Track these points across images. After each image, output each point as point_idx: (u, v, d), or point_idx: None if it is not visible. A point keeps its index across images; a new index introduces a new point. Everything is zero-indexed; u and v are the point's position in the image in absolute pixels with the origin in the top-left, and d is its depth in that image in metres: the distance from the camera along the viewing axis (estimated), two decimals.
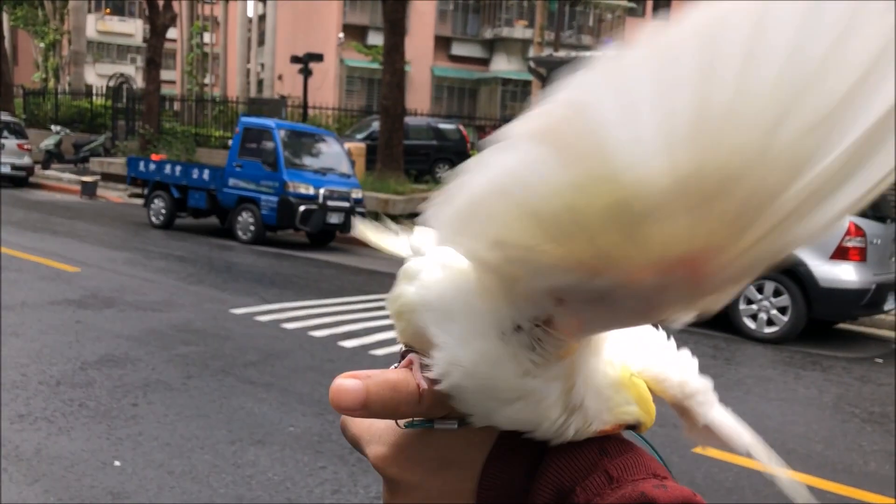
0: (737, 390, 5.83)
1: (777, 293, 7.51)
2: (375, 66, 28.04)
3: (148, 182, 13.24)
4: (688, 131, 0.34)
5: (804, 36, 0.33)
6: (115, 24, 51.38)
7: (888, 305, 7.90)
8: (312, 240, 12.69)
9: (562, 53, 14.85)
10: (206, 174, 12.50)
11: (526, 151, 0.39)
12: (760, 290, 7.58)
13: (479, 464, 0.55)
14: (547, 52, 19.42)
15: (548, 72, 13.98)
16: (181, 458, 3.80)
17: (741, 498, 3.82)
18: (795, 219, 0.35)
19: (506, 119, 32.96)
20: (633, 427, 0.56)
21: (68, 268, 8.57)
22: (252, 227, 11.89)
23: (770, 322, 7.53)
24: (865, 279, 7.34)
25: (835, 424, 5.24)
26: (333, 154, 12.68)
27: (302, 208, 11.51)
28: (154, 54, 20.73)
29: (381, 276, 9.73)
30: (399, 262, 0.57)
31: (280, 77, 33.16)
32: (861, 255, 7.31)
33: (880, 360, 7.22)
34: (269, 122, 12.47)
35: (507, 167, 0.40)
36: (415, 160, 20.13)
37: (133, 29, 50.96)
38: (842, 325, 8.59)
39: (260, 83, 35.38)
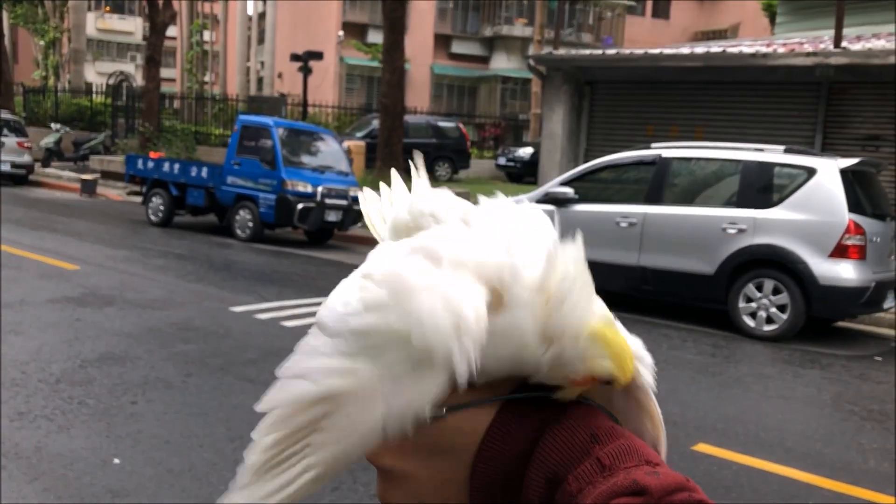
0: (736, 388, 5.84)
1: (776, 291, 7.51)
2: (375, 64, 28.01)
3: (146, 180, 13.24)
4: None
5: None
6: (115, 21, 51.31)
7: (887, 303, 7.90)
8: (311, 238, 12.69)
9: (561, 51, 14.83)
10: (204, 172, 12.50)
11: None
12: (760, 288, 7.59)
13: (471, 451, 0.56)
14: (547, 50, 19.40)
15: (547, 70, 13.97)
16: (180, 456, 3.80)
17: (740, 496, 3.82)
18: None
19: (505, 117, 32.96)
20: (608, 383, 0.56)
21: (68, 266, 8.57)
22: (250, 225, 11.89)
23: (769, 320, 7.53)
24: (865, 277, 7.34)
25: (834, 422, 5.25)
26: (331, 152, 12.69)
27: (300, 206, 11.51)
28: (154, 52, 20.71)
29: None
30: None
31: (280, 75, 33.13)
32: (860, 253, 7.31)
33: (879, 359, 7.22)
34: (268, 121, 12.47)
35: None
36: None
37: (133, 27, 50.90)
38: (841, 324, 8.59)
39: (260, 81, 35.35)
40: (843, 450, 4.60)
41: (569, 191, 8.72)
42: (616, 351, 0.55)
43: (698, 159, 8.40)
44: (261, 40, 35.51)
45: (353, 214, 11.79)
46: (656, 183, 8.32)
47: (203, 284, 8.25)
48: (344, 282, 0.61)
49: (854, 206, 7.34)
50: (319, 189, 11.66)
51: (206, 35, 33.37)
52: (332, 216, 11.84)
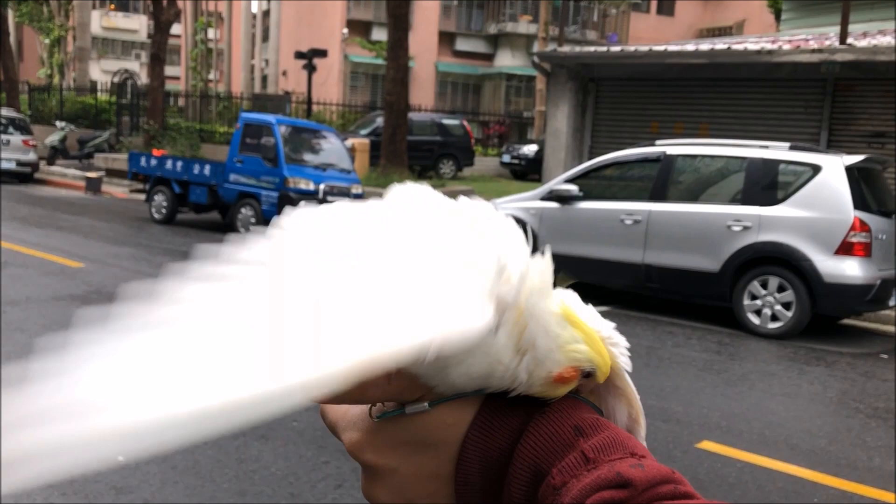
0: (741, 386, 5.83)
1: (781, 288, 7.49)
2: (379, 61, 28.02)
3: (149, 177, 13.26)
4: None
5: None
6: (120, 20, 51.40)
7: (893, 301, 7.87)
8: None
9: (566, 49, 14.81)
10: (206, 169, 12.52)
11: None
12: (765, 285, 7.57)
13: (455, 445, 0.56)
14: (551, 47, 19.37)
15: (552, 67, 13.95)
16: (184, 453, 3.81)
17: (744, 493, 3.82)
18: None
19: (510, 114, 32.93)
20: (589, 374, 0.56)
21: (72, 263, 8.58)
22: (253, 223, 11.91)
23: (774, 317, 7.51)
24: (870, 274, 7.31)
25: (839, 420, 5.23)
26: (334, 150, 12.69)
27: (302, 204, 11.53)
28: (158, 50, 20.74)
29: None
30: None
31: (284, 73, 33.15)
32: (866, 251, 7.28)
33: (885, 356, 7.20)
34: (270, 118, 12.48)
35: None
36: (419, 156, 20.11)
37: (137, 25, 50.98)
38: (846, 321, 8.57)
39: (264, 79, 35.37)
40: (848, 447, 4.59)
41: (573, 188, 8.70)
42: (587, 332, 0.56)
43: (703, 156, 8.38)
44: (265, 38, 35.54)
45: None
46: (661, 180, 8.30)
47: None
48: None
49: (859, 203, 7.32)
50: (321, 186, 11.66)
51: (211, 33, 33.36)
52: None
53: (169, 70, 27.16)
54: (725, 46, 12.48)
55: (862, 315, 8.43)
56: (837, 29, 11.46)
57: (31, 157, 18.64)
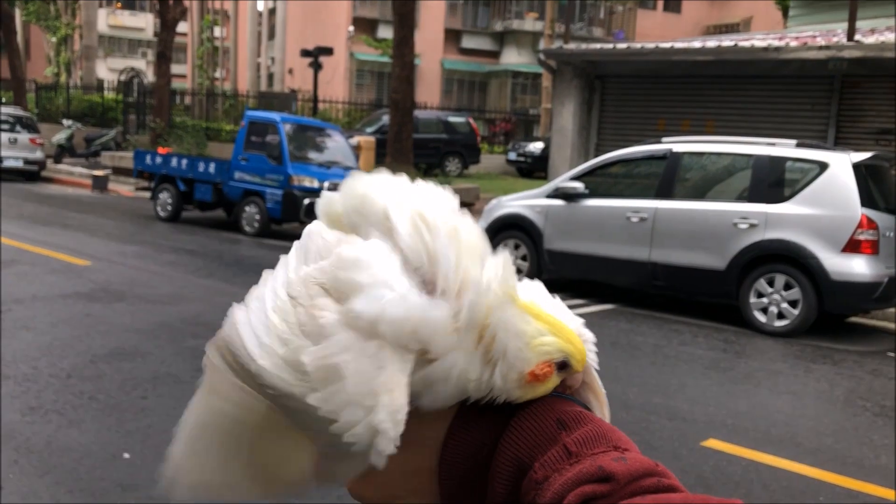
0: (747, 384, 5.81)
1: (788, 286, 7.46)
2: (385, 59, 27.99)
3: (154, 175, 13.29)
4: None
5: None
6: (126, 18, 51.50)
7: None
8: None
9: (572, 46, 14.77)
10: (211, 167, 12.54)
11: None
12: (771, 283, 7.54)
13: (438, 441, 0.56)
14: (557, 44, 19.33)
15: (558, 64, 13.92)
16: None
17: (749, 491, 3.80)
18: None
19: (516, 112, 32.90)
20: (564, 365, 0.56)
21: (79, 261, 8.61)
22: (257, 220, 11.92)
23: (781, 315, 7.48)
24: (877, 272, 7.28)
25: (845, 418, 5.21)
26: (338, 147, 12.70)
27: (306, 201, 11.53)
28: (164, 48, 20.76)
29: None
30: None
31: (290, 71, 33.17)
32: (873, 248, 7.25)
33: (892, 354, 7.17)
34: (274, 116, 12.49)
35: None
36: (425, 153, 20.10)
37: (144, 23, 51.07)
38: (854, 319, 8.53)
39: (270, 77, 35.40)
40: (855, 446, 4.57)
41: (579, 186, 8.69)
42: (553, 323, 0.55)
43: (709, 154, 8.35)
44: (271, 36, 35.56)
45: None
46: (667, 178, 8.28)
47: (213, 280, 8.28)
48: (269, 285, 0.58)
49: (867, 200, 7.28)
50: (326, 184, 11.67)
51: (217, 31, 33.42)
52: None
53: (175, 68, 27.19)
54: (732, 43, 12.44)
55: (869, 313, 8.40)
56: (845, 25, 11.41)
57: (38, 155, 18.69)
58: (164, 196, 13.05)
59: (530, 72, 33.66)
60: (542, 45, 23.66)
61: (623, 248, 8.33)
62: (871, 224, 7.22)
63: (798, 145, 7.91)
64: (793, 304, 7.43)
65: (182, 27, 30.36)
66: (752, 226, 7.62)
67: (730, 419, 4.85)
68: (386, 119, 19.13)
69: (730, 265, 7.72)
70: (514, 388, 0.55)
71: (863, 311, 8.10)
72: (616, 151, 9.06)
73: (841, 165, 7.36)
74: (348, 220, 0.59)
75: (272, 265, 0.60)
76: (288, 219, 11.91)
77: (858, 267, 7.22)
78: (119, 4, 50.88)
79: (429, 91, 32.18)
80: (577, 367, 0.57)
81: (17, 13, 29.32)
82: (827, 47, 11.01)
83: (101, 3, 43.23)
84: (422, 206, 0.57)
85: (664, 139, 8.80)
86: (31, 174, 18.62)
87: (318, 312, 0.52)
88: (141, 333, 5.88)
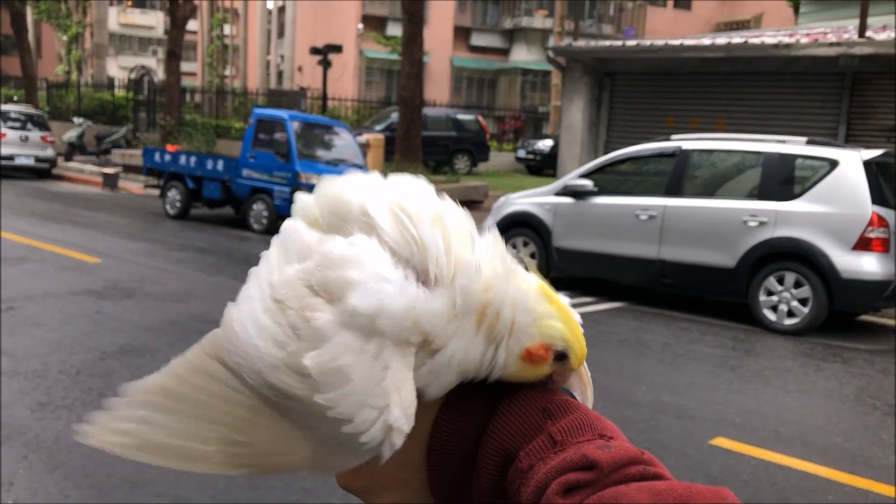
0: (756, 382, 5.79)
1: (798, 284, 7.43)
2: (394, 57, 28.01)
3: (163, 173, 13.34)
4: None
5: None
6: (137, 16, 51.69)
7: None
8: None
9: (581, 43, 14.74)
10: (220, 165, 12.57)
11: None
12: (781, 281, 7.51)
13: (425, 432, 0.56)
14: (567, 41, 19.29)
15: (567, 62, 13.89)
16: None
17: (757, 490, 3.79)
18: None
19: (525, 109, 32.85)
20: (561, 356, 0.55)
21: (89, 259, 8.65)
22: (265, 218, 11.95)
23: (790, 313, 7.45)
24: (888, 270, 7.23)
25: (855, 417, 5.19)
26: (346, 145, 12.72)
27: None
28: (174, 46, 20.82)
29: None
30: None
31: (300, 68, 33.22)
32: (884, 246, 7.20)
33: None
34: (282, 114, 12.51)
35: None
36: (433, 151, 20.10)
37: (154, 21, 51.25)
38: (864, 317, 8.48)
39: (280, 75, 35.47)
40: (865, 444, 4.55)
41: (588, 183, 8.67)
42: (563, 310, 0.55)
43: (719, 151, 8.32)
44: (281, 34, 35.62)
45: None
46: (676, 175, 8.25)
47: (222, 277, 8.30)
48: (255, 285, 0.57)
49: (878, 198, 7.24)
50: None
51: (227, 29, 33.49)
52: None
53: (185, 66, 27.28)
54: (742, 40, 12.38)
55: (879, 311, 8.35)
56: (856, 22, 11.35)
57: (49, 153, 18.79)
58: (173, 194, 13.09)
59: (540, 69, 33.61)
60: (552, 42, 23.60)
61: (632, 246, 8.30)
62: (882, 222, 7.17)
63: (808, 143, 7.87)
64: (803, 302, 7.40)
65: (192, 25, 30.43)
66: (762, 224, 7.59)
67: (738, 417, 4.83)
68: (395, 116, 19.14)
69: (739, 263, 7.69)
70: (511, 363, 0.55)
71: (873, 309, 8.05)
72: (625, 149, 9.03)
73: (851, 163, 7.32)
74: (326, 223, 0.57)
75: None
76: None
77: (869, 265, 7.18)
78: (130, 3, 51.07)
79: (438, 88, 32.18)
80: (574, 363, 0.56)
81: (29, 12, 29.45)
82: (838, 44, 10.95)
83: (112, 2, 43.39)
84: (400, 197, 0.56)
85: (673, 136, 8.77)
86: (42, 172, 18.72)
87: (310, 314, 0.51)
88: (150, 330, 5.90)
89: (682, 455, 4.14)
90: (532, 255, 8.89)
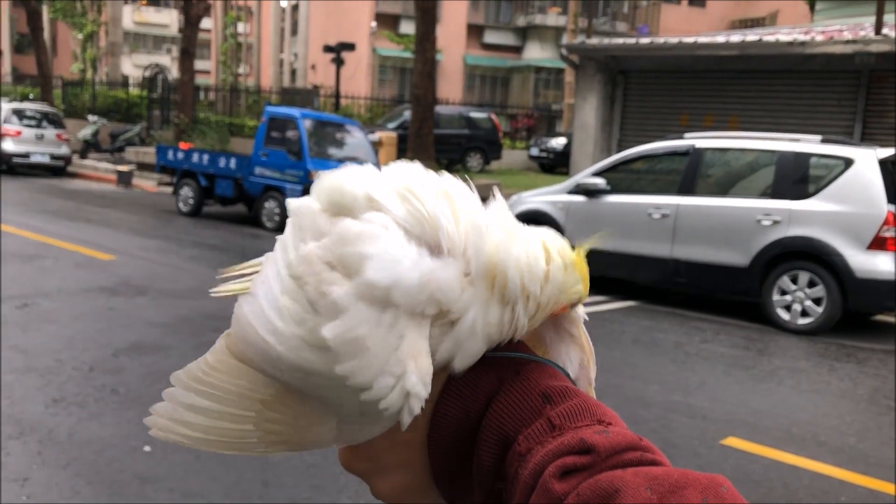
0: (769, 382, 5.75)
1: (812, 284, 7.38)
2: (407, 55, 28.01)
3: (176, 171, 13.41)
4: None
5: None
6: (151, 14, 51.94)
7: None
8: None
9: (594, 41, 14.68)
10: (232, 163, 12.62)
11: None
12: (795, 280, 7.46)
13: (427, 414, 0.57)
14: (580, 39, 19.23)
15: (580, 59, 13.85)
16: None
17: (769, 490, 3.77)
18: None
19: (538, 107, 32.77)
20: (575, 303, 0.59)
21: (103, 256, 8.70)
22: (277, 216, 11.98)
23: (804, 313, 7.40)
24: None
25: (869, 417, 5.15)
26: (358, 143, 12.74)
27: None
28: (188, 44, 20.90)
29: None
30: None
31: (313, 67, 33.29)
32: None
33: None
34: (294, 112, 12.54)
35: None
36: (446, 149, 20.10)
37: (168, 19, 51.47)
38: (879, 317, 8.42)
39: (293, 73, 35.55)
40: (878, 445, 4.51)
41: (600, 181, 8.64)
42: (585, 273, 0.58)
43: (733, 150, 8.27)
44: (294, 32, 35.70)
45: None
46: (689, 174, 8.21)
47: None
48: (272, 269, 0.58)
49: (893, 196, 7.17)
50: None
51: (241, 27, 33.61)
52: None
53: (199, 64, 27.39)
54: (757, 38, 12.30)
55: (894, 311, 8.28)
56: (873, 19, 11.25)
57: (64, 150, 18.92)
58: (186, 191, 13.15)
59: (553, 67, 33.52)
60: (565, 40, 23.52)
61: (645, 245, 8.27)
62: None
63: (823, 141, 7.81)
64: (817, 301, 7.35)
65: (206, 23, 30.56)
66: (776, 222, 7.54)
67: (751, 417, 4.80)
68: (407, 115, 19.14)
69: (753, 262, 7.64)
70: (538, 322, 0.58)
71: (888, 309, 7.98)
72: (638, 147, 9.00)
73: (867, 161, 7.26)
74: (332, 213, 0.58)
75: None
76: None
77: (884, 264, 7.12)
78: (144, 1, 51.31)
79: (451, 86, 32.16)
80: (583, 300, 0.60)
81: (45, 10, 29.64)
82: (854, 41, 10.86)
83: (127, 0, 43.61)
84: (402, 179, 0.57)
85: (687, 135, 8.73)
86: (57, 169, 18.85)
87: (327, 288, 0.53)
88: (162, 327, 5.93)
89: (694, 455, 4.12)
90: None
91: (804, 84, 11.88)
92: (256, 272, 0.62)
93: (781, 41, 11.57)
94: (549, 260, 0.56)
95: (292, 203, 0.60)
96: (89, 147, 21.72)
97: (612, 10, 34.60)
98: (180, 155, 13.36)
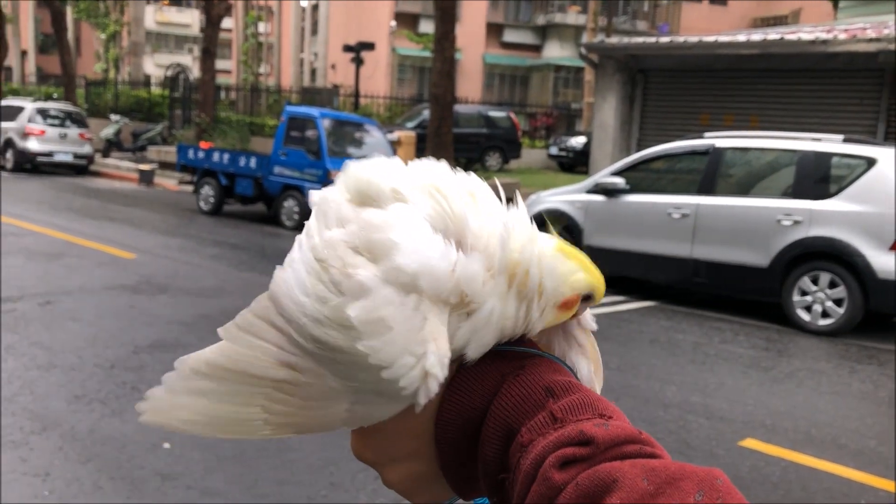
0: (788, 383, 5.71)
1: (833, 284, 7.31)
2: (427, 54, 28.03)
3: (197, 170, 13.52)
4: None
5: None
6: (173, 14, 52.33)
7: None
8: None
9: (614, 40, 14.64)
10: (252, 162, 12.71)
11: None
12: (815, 281, 7.40)
13: (435, 405, 0.59)
14: (600, 38, 19.16)
15: (600, 58, 13.80)
16: (230, 442, 3.88)
17: (787, 492, 3.75)
18: None
19: (558, 106, 32.68)
20: (589, 297, 0.61)
21: (125, 254, 8.79)
22: (297, 214, 12.05)
23: (825, 314, 7.34)
24: None
25: (890, 420, 5.10)
26: (376, 143, 12.79)
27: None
28: (209, 44, 21.05)
29: None
30: None
31: (333, 66, 33.40)
32: None
33: None
34: (313, 111, 12.60)
35: None
36: (465, 148, 20.09)
37: (190, 19, 51.84)
38: None
39: (313, 72, 35.70)
40: None
41: (620, 181, 8.62)
42: (583, 261, 0.60)
43: (753, 149, 8.22)
44: (314, 31, 35.84)
45: None
46: (709, 173, 8.16)
47: (255, 273, 8.39)
48: (297, 252, 0.60)
49: None
50: None
51: (261, 27, 33.78)
52: None
53: (220, 64, 27.57)
54: (778, 36, 12.20)
55: None
56: None
57: (87, 149, 19.13)
58: (206, 190, 13.26)
59: (573, 66, 33.42)
60: (585, 38, 23.45)
61: (664, 245, 8.24)
62: None
63: (845, 140, 7.74)
64: (837, 302, 7.29)
65: (227, 23, 30.74)
66: (797, 223, 7.49)
67: (769, 419, 4.78)
68: (426, 114, 19.15)
69: (773, 262, 7.59)
70: (548, 314, 0.59)
71: None
72: (658, 147, 8.96)
73: (889, 161, 7.19)
74: (357, 203, 0.60)
75: None
76: None
77: None
78: (166, 1, 51.71)
79: (470, 85, 32.15)
80: (598, 299, 0.62)
81: (69, 11, 29.96)
82: (877, 40, 10.74)
83: (149, 0, 43.96)
84: (431, 179, 0.59)
85: (707, 134, 8.68)
86: (80, 168, 19.07)
87: (352, 271, 0.54)
88: (183, 325, 5.99)
89: (711, 456, 4.10)
90: None
91: (826, 83, 11.77)
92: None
93: (803, 40, 11.47)
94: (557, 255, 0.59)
95: (317, 193, 0.62)
96: (112, 146, 21.94)
97: (632, 9, 34.44)
98: (201, 154, 13.47)
